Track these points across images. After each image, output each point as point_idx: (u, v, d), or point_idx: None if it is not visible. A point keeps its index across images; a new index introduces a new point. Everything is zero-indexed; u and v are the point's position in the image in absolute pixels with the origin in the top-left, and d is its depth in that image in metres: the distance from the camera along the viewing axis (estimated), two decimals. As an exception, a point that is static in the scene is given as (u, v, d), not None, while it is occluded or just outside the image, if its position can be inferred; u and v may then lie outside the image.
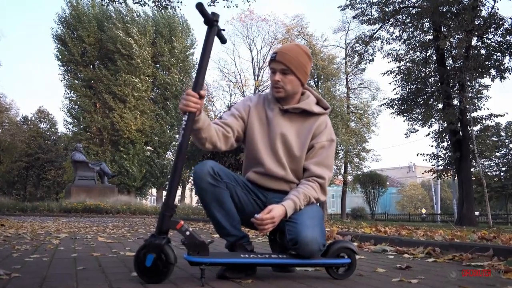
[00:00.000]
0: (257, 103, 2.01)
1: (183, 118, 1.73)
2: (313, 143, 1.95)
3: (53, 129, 35.54)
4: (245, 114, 1.98)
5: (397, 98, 15.40)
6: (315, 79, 23.67)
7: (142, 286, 1.65)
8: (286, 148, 1.94)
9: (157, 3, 10.59)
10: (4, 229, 5.39)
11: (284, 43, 23.83)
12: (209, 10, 1.76)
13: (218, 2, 10.65)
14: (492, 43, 13.59)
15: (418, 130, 15.89)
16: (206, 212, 1.92)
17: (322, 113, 1.99)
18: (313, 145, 1.95)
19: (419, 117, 15.35)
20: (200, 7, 1.71)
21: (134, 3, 10.87)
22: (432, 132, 15.63)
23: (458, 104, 13.82)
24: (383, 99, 30.48)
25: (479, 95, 14.59)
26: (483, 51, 13.74)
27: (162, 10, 12.45)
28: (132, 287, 1.64)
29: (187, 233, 1.69)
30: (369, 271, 2.15)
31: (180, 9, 22.92)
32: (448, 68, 14.26)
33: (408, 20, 14.65)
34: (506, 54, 13.23)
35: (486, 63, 13.47)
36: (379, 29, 15.52)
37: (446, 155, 15.50)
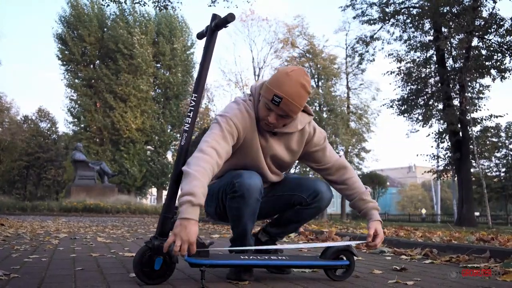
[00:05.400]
0: (244, 121, 1.84)
1: (185, 121, 1.76)
2: (313, 149, 2.00)
3: (53, 128, 35.56)
4: (235, 136, 1.83)
5: (398, 98, 15.41)
6: (316, 79, 23.70)
7: (140, 287, 1.66)
8: (277, 164, 1.99)
9: (156, 3, 10.59)
10: (3, 228, 5.40)
11: (284, 43, 23.82)
12: (209, 11, 1.78)
13: (218, 3, 10.66)
14: (493, 44, 13.59)
15: (418, 130, 15.91)
16: (235, 221, 1.86)
17: (308, 122, 1.97)
18: (316, 151, 2.01)
19: (420, 117, 15.35)
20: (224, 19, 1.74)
21: (134, 3, 10.87)
22: (432, 133, 15.64)
23: (459, 104, 13.82)
24: (383, 99, 30.71)
25: (480, 96, 14.58)
26: (483, 52, 13.73)
27: (163, 10, 12.44)
28: (130, 288, 1.65)
29: None
30: (366, 273, 2.17)
31: (180, 9, 23.08)
32: (449, 68, 14.26)
33: (408, 20, 14.65)
34: (507, 55, 13.22)
35: (486, 63, 13.46)
36: (379, 29, 15.54)
37: (446, 156, 15.50)
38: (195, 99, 1.79)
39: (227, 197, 1.84)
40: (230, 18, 1.72)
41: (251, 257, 1.81)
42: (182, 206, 1.56)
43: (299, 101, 1.77)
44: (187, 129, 1.75)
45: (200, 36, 1.91)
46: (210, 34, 1.80)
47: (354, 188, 2.00)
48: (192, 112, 1.78)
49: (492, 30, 13.16)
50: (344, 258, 1.93)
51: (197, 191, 1.56)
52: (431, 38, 14.43)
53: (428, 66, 15.08)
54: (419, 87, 15.08)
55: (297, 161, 2.16)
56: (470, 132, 13.64)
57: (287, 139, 1.94)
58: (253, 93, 1.92)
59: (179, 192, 1.64)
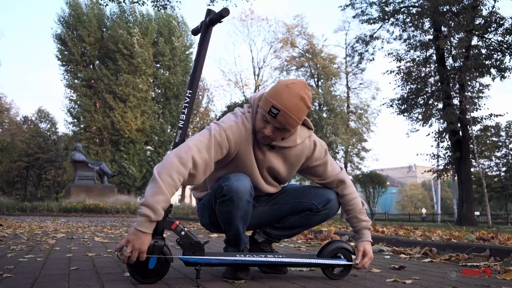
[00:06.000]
0: (239, 135, 1.78)
1: (180, 118, 1.74)
2: (314, 164, 1.96)
3: (53, 129, 35.56)
4: (225, 148, 1.76)
5: (397, 98, 15.38)
6: (315, 79, 23.67)
7: (134, 287, 1.64)
8: (274, 176, 1.95)
9: (155, 2, 10.57)
10: (1, 229, 5.38)
11: (284, 43, 23.78)
12: (208, 9, 1.76)
13: (217, 2, 10.64)
14: (493, 43, 13.56)
15: (418, 130, 15.87)
16: (227, 225, 1.82)
17: (308, 136, 1.92)
18: (317, 165, 1.96)
19: (419, 117, 15.31)
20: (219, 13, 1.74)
21: (132, 3, 10.86)
22: (432, 132, 15.60)
23: (458, 104, 13.79)
24: (383, 98, 30.67)
25: (480, 95, 14.54)
26: (483, 51, 13.70)
27: (162, 10, 12.43)
28: (124, 287, 1.63)
29: (182, 233, 1.68)
30: (364, 271, 2.14)
31: (179, 9, 23.08)
32: (448, 67, 14.23)
33: (408, 19, 14.62)
34: (507, 54, 13.19)
35: (486, 62, 13.43)
36: (379, 28, 15.52)
37: (446, 155, 15.45)
38: (189, 95, 1.77)
39: (216, 201, 1.80)
40: (224, 12, 1.71)
41: (247, 256, 1.80)
42: (141, 217, 1.57)
43: (297, 115, 1.71)
44: (182, 126, 1.73)
45: (195, 32, 1.89)
46: (205, 29, 1.78)
47: (351, 204, 2.00)
48: (186, 109, 1.76)
49: (492, 29, 13.13)
50: (342, 257, 1.91)
51: (158, 208, 1.56)
52: (431, 37, 14.40)
53: (427, 65, 15.04)
54: (418, 86, 15.04)
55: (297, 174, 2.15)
56: (470, 131, 13.60)
57: (285, 153, 1.89)
58: (252, 105, 1.87)
59: (145, 193, 1.61)
